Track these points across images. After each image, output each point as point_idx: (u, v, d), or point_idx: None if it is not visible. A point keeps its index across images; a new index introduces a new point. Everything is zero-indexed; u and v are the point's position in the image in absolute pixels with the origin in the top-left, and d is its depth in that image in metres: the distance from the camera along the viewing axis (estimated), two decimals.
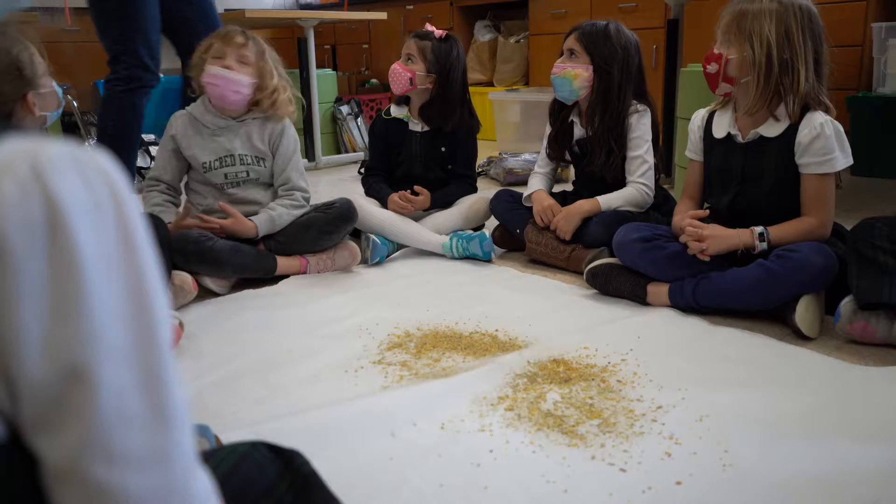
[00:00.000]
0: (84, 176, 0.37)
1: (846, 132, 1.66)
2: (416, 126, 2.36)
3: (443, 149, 2.34)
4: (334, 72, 4.60)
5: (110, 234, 0.38)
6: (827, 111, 1.62)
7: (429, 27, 2.33)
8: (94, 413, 0.38)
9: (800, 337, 1.53)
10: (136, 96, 2.63)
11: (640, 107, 2.06)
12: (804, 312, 1.52)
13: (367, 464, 1.09)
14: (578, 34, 2.06)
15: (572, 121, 2.15)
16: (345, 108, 4.20)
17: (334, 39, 5.90)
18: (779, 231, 1.61)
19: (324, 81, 4.08)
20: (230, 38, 1.97)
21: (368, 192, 2.40)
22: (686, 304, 1.67)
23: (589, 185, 2.13)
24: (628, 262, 1.77)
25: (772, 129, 1.65)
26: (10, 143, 0.37)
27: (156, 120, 3.47)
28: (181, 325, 1.56)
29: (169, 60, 3.88)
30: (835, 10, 3.23)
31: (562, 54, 2.10)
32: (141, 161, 3.43)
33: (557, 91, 2.10)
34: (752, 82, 1.61)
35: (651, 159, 2.05)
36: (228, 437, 1.14)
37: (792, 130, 1.63)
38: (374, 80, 5.28)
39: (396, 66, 2.29)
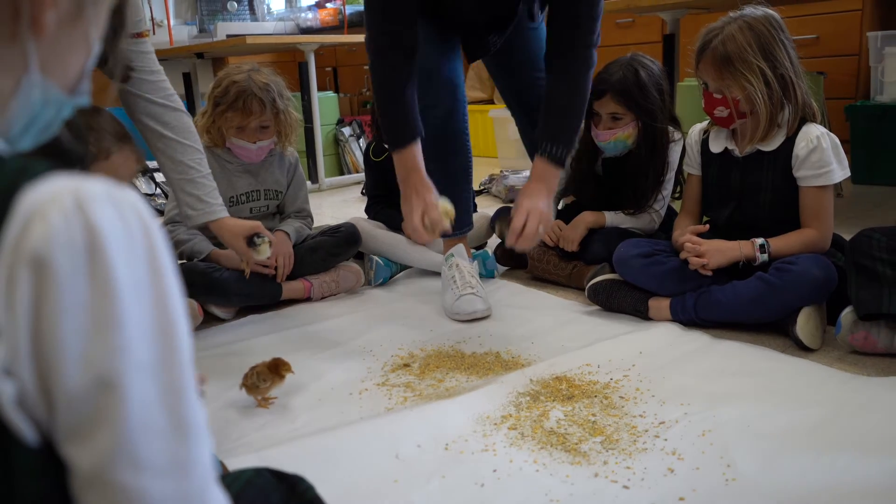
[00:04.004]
0: (119, 210, 0.42)
1: (845, 141, 1.68)
2: None
3: None
4: (336, 94, 4.64)
5: (140, 261, 0.42)
6: (814, 115, 1.64)
7: None
8: (123, 422, 0.42)
9: (801, 348, 1.53)
10: None
11: (677, 135, 2.03)
12: (805, 324, 1.53)
13: (372, 487, 1.10)
14: (616, 97, 1.93)
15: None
16: (347, 130, 4.24)
17: (335, 61, 5.95)
18: (779, 243, 1.62)
19: (325, 104, 4.12)
20: (249, 110, 1.95)
21: (376, 218, 2.40)
22: (688, 318, 1.67)
23: (599, 204, 2.11)
24: (629, 278, 1.78)
25: (769, 144, 1.67)
26: (56, 180, 0.43)
27: None
28: None
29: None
30: (831, 20, 3.26)
31: (595, 115, 1.99)
32: (146, 188, 3.47)
33: (607, 152, 2.03)
34: (761, 109, 1.61)
35: (670, 188, 2.04)
36: (234, 462, 1.16)
37: (789, 144, 1.65)
38: None
39: None
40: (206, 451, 0.46)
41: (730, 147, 1.73)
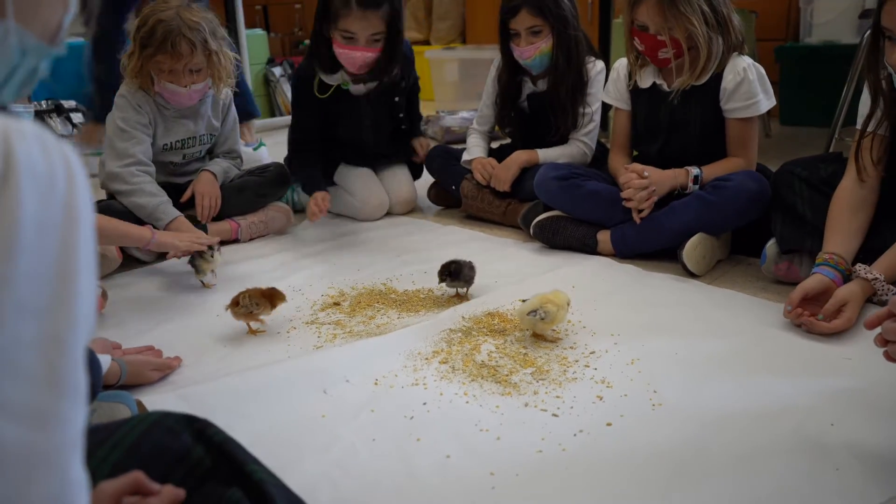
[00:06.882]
0: (46, 152, 0.41)
1: (775, 82, 1.70)
2: (360, 89, 2.10)
3: (396, 99, 2.16)
4: (265, 32, 4.45)
5: (57, 204, 0.41)
6: (742, 46, 1.65)
7: None
8: None
9: (688, 274, 1.58)
10: None
11: (599, 63, 2.02)
12: (692, 250, 1.57)
13: (298, 422, 1.07)
14: (533, 10, 1.93)
15: (522, 79, 2.10)
16: (277, 70, 4.08)
17: None
18: (710, 170, 1.66)
19: (254, 42, 3.95)
20: (178, 52, 1.77)
21: (294, 172, 2.13)
22: (629, 249, 1.69)
23: (529, 142, 2.10)
24: (547, 200, 1.81)
25: (700, 78, 1.66)
26: None
27: (78, 86, 3.26)
28: (104, 294, 1.50)
29: (76, 24, 3.68)
30: None
31: (514, 34, 1.97)
32: (62, 129, 3.27)
33: (534, 70, 2.02)
34: (703, 47, 1.61)
35: (598, 119, 2.03)
36: (155, 401, 1.11)
37: (717, 77, 1.65)
38: (307, 41, 5.14)
39: (367, 54, 1.97)
40: (77, 416, 0.43)
41: (658, 82, 1.73)
